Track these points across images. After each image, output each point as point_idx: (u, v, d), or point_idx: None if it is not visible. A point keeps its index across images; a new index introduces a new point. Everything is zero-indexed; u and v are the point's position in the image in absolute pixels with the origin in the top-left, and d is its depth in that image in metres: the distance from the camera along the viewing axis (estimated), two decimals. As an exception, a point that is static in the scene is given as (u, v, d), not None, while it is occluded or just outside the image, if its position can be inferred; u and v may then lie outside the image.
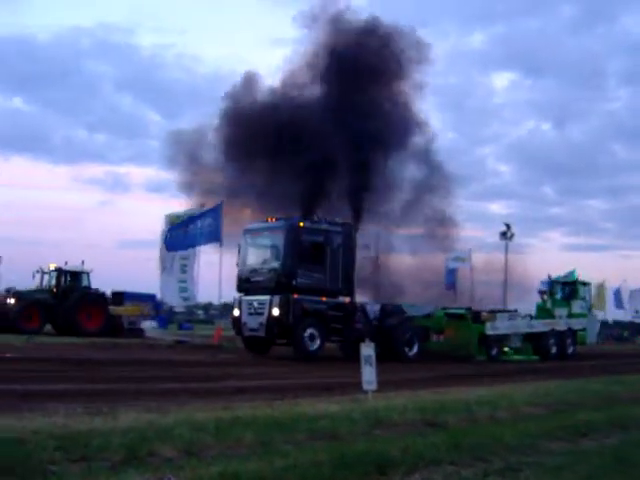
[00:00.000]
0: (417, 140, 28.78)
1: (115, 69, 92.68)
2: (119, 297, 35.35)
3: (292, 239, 22.77)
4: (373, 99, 26.91)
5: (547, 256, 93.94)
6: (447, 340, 26.48)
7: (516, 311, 29.89)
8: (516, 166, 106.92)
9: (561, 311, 31.25)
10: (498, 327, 27.19)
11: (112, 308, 33.57)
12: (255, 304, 23.02)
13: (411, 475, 6.15)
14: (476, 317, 27.23)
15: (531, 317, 29.94)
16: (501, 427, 8.67)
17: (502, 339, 27.55)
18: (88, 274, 33.20)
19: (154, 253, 29.33)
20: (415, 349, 24.71)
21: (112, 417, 7.93)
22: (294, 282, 22.54)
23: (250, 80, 27.08)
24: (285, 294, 22.38)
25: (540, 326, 29.18)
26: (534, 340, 28.73)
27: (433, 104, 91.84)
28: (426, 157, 29.25)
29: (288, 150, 24.95)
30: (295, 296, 22.38)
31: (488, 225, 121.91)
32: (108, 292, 34.99)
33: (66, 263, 32.96)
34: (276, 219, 23.73)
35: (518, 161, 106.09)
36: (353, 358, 21.69)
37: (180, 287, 27.26)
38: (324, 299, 23.11)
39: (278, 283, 22.65)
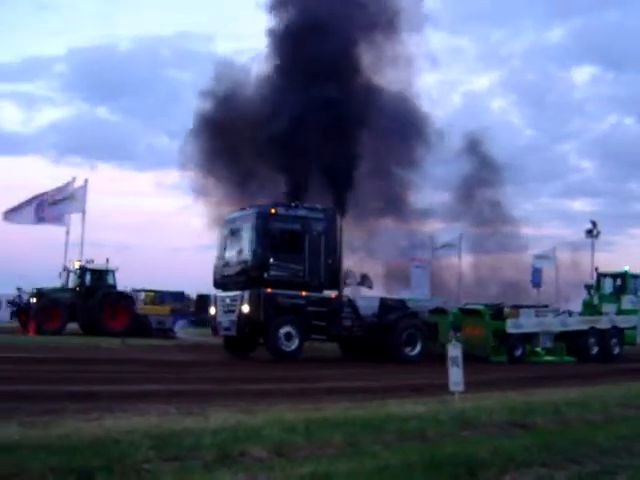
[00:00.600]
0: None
1: (195, 76, 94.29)
2: (203, 300, 35.41)
3: (262, 228, 20.53)
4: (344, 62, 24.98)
5: (634, 253, 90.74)
6: (465, 339, 22.89)
7: (546, 307, 27.09)
8: (599, 162, 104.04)
9: (609, 307, 27.57)
10: (522, 324, 24.32)
11: (140, 307, 33.14)
12: (227, 301, 21.17)
13: (502, 477, 6.05)
14: (497, 313, 24.44)
15: (570, 314, 26.86)
16: (593, 429, 8.46)
17: (529, 338, 24.60)
18: (113, 272, 32.09)
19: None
20: (418, 348, 22.02)
21: (203, 417, 8.10)
22: (265, 275, 20.26)
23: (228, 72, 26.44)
24: (256, 289, 20.20)
25: (576, 324, 25.83)
26: (570, 339, 25.41)
27: (512, 101, 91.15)
28: (472, 148, 28.27)
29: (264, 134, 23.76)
30: (268, 290, 20.19)
31: (572, 223, 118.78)
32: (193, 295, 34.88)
33: (92, 261, 31.93)
34: (250, 207, 21.70)
35: (601, 157, 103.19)
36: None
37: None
38: (304, 294, 20.67)
39: (249, 277, 20.54)
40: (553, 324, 25.24)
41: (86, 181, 23.95)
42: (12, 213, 32.37)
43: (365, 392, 12.41)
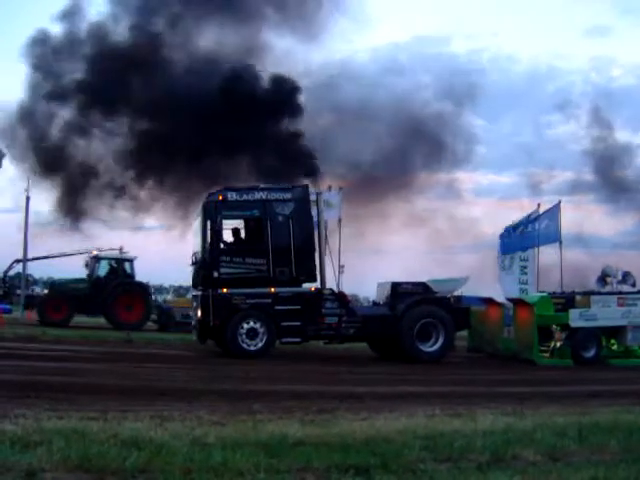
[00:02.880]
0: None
1: (434, 79, 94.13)
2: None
3: (210, 219, 17.76)
4: None
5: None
6: (515, 336, 19.01)
7: (639, 293, 19.78)
8: None
9: None
10: (595, 316, 18.62)
11: (167, 299, 31.53)
12: (194, 303, 19.37)
13: None
14: (567, 303, 19.06)
15: None
16: None
17: (611, 334, 19.10)
18: (131, 261, 30.64)
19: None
20: (439, 343, 18.21)
21: (470, 419, 8.14)
22: (216, 274, 17.61)
23: None
24: (206, 291, 17.88)
25: None
26: None
27: None
28: None
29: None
30: (223, 291, 17.61)
31: None
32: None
33: (109, 250, 30.67)
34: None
35: None
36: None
37: (520, 288, 26.71)
38: (272, 290, 17.71)
39: (202, 277, 18.26)
40: None
41: (341, 188, 25.02)
42: None
43: (633, 396, 11.66)
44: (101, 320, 30.09)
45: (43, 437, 5.99)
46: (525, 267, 26.44)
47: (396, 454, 6.09)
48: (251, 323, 17.44)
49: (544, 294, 20.42)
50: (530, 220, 26.36)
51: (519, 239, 26.75)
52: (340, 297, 18.62)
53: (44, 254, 34.17)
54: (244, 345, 17.40)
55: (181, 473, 5.25)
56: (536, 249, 26.48)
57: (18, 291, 37.92)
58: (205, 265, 17.92)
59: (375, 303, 20.22)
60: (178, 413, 8.18)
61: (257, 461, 5.64)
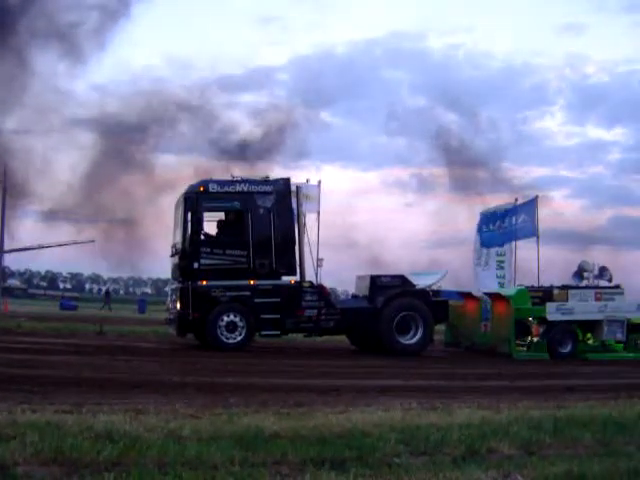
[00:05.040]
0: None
1: (409, 75, 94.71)
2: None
3: (190, 210, 17.67)
4: None
5: None
6: (492, 330, 19.04)
7: (618, 287, 19.73)
8: None
9: None
10: (572, 310, 18.59)
11: None
12: (172, 296, 19.03)
13: None
14: (545, 297, 19.19)
15: None
16: None
17: (585, 328, 19.08)
18: None
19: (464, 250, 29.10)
20: (418, 335, 18.17)
21: (447, 413, 8.15)
22: (196, 265, 17.52)
23: None
24: (184, 282, 17.78)
25: None
26: None
27: None
28: None
29: None
30: (201, 283, 17.58)
31: None
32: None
33: None
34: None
35: None
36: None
37: (499, 283, 26.76)
38: (251, 282, 17.69)
39: (181, 268, 18.10)
40: (621, 309, 18.83)
41: (319, 182, 24.90)
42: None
43: (607, 390, 11.74)
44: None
45: (16, 430, 5.92)
46: (502, 262, 26.47)
47: (372, 447, 6.07)
48: (231, 316, 17.38)
49: (521, 287, 20.48)
50: (506, 214, 26.37)
51: (497, 234, 26.78)
52: (319, 290, 18.55)
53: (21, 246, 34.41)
54: (223, 338, 17.32)
55: (155, 466, 5.21)
56: (513, 244, 26.53)
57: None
58: (185, 256, 17.78)
59: (354, 296, 20.21)
60: (153, 406, 8.11)
61: (232, 454, 5.61)
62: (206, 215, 18.07)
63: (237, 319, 17.41)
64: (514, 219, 25.97)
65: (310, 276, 19.01)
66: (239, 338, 17.42)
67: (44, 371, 11.75)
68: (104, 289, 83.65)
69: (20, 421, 6.45)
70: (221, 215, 18.53)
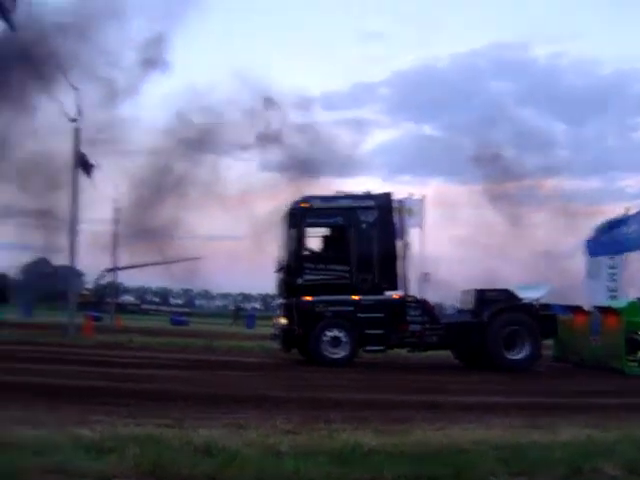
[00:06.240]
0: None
1: (514, 85, 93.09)
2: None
3: (293, 226, 17.89)
4: None
5: None
6: (601, 344, 18.11)
7: None
8: None
9: None
10: None
11: None
12: (278, 311, 19.20)
13: None
14: None
15: None
16: None
17: None
18: None
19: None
20: (525, 351, 17.74)
21: (550, 431, 7.90)
22: (300, 281, 17.70)
23: None
24: (289, 298, 17.97)
25: None
26: None
27: None
28: None
29: None
30: (306, 299, 17.60)
31: None
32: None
33: None
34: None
35: None
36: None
37: (610, 295, 25.76)
38: (356, 298, 17.66)
39: (285, 284, 18.29)
40: None
41: (423, 196, 24.67)
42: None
43: None
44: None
45: (117, 443, 6.12)
46: (614, 274, 25.53)
47: (469, 465, 5.98)
48: (334, 331, 17.45)
49: (633, 300, 19.68)
50: (617, 224, 25.41)
51: (608, 245, 25.86)
52: (423, 304, 18.44)
53: (133, 263, 35.96)
54: (327, 353, 17.41)
55: (251, 481, 5.28)
56: (625, 255, 25.53)
57: (108, 299, 39.74)
58: (289, 272, 18.02)
59: (459, 311, 19.91)
60: (255, 421, 8.23)
61: (328, 470, 5.64)
62: (309, 231, 18.17)
63: (341, 334, 17.42)
64: (625, 229, 25.00)
65: (415, 291, 18.94)
66: (343, 353, 17.45)
67: (149, 385, 12.09)
68: (234, 306, 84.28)
69: (122, 434, 6.67)
70: (324, 231, 18.59)
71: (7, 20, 17.53)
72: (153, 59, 28.74)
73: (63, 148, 26.29)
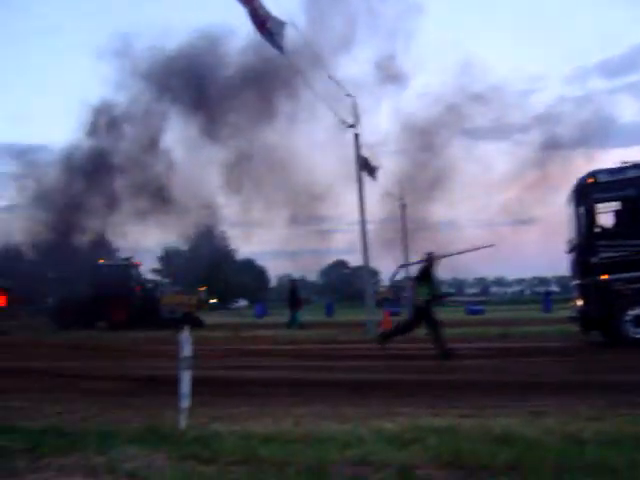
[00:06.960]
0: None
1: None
2: None
3: (581, 204, 17.16)
4: None
5: None
6: None
7: None
8: None
9: None
10: None
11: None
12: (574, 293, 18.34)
13: None
14: None
15: None
16: None
17: None
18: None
19: None
20: None
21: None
22: (594, 260, 16.75)
23: None
24: (586, 279, 17.10)
25: None
26: None
27: None
28: None
29: None
30: (603, 277, 16.55)
31: None
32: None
33: None
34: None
35: None
36: None
37: None
38: None
39: (579, 264, 17.58)
40: None
41: None
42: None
43: None
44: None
45: (418, 435, 6.32)
46: None
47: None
48: (637, 310, 16.32)
49: None
50: None
51: None
52: None
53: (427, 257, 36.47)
54: (630, 333, 16.32)
55: (552, 470, 5.19)
56: None
57: (405, 294, 40.88)
58: (581, 251, 17.46)
59: None
60: (553, 408, 8.05)
61: (634, 458, 5.36)
62: (598, 207, 17.24)
63: None
64: None
65: None
66: None
67: (448, 376, 12.25)
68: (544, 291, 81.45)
69: (422, 425, 6.86)
70: (615, 204, 17.52)
71: (274, 42, 18.60)
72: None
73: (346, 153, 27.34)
